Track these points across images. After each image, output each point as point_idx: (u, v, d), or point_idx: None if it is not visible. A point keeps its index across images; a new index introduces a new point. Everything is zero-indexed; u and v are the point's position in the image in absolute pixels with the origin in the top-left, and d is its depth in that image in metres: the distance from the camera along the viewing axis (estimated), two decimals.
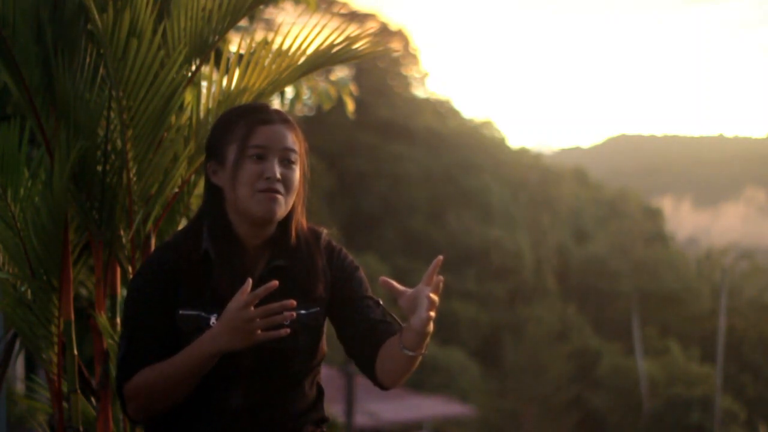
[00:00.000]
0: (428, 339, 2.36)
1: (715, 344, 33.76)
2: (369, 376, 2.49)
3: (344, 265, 2.54)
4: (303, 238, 2.50)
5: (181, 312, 2.40)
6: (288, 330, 2.27)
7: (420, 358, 2.37)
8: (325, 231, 2.56)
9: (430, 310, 2.31)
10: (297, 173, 2.44)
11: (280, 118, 2.45)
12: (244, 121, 2.42)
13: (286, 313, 2.27)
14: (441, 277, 2.31)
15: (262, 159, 2.39)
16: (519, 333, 38.24)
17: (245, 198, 2.39)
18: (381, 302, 2.55)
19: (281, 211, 2.42)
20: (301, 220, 2.50)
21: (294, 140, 2.44)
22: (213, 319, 2.38)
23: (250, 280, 2.26)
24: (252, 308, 2.25)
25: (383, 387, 2.49)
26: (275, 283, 2.26)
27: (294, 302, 2.26)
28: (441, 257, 2.34)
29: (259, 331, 2.26)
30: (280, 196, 2.40)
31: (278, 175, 2.39)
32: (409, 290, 2.33)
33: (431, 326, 2.33)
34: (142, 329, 2.41)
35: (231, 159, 2.40)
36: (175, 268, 2.41)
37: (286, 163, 2.42)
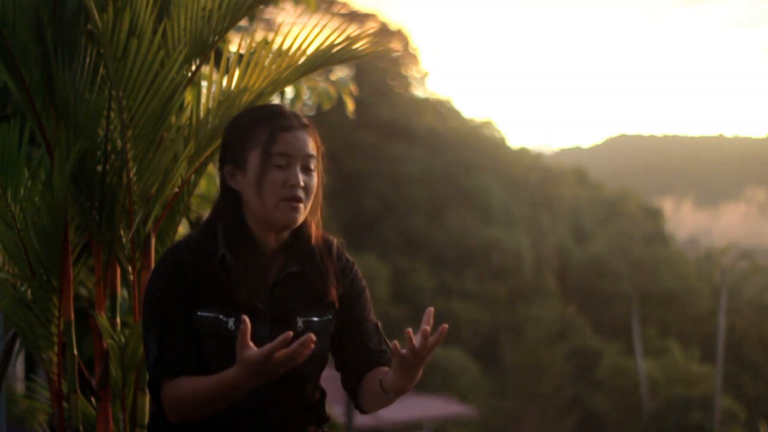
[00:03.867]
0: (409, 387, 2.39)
1: (715, 344, 33.77)
2: (351, 397, 2.55)
3: (354, 282, 2.55)
4: (316, 244, 2.50)
5: (199, 314, 2.40)
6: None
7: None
8: (336, 240, 2.57)
9: (417, 369, 2.32)
10: (316, 179, 2.45)
11: (300, 123, 2.45)
12: (265, 126, 2.41)
13: (308, 349, 2.21)
14: (444, 326, 2.28)
15: (285, 166, 2.40)
16: (519, 333, 38.26)
17: (269, 205, 2.40)
18: (379, 325, 2.58)
19: (301, 219, 2.44)
20: (315, 225, 2.51)
21: (313, 146, 2.45)
22: (231, 323, 2.38)
23: (290, 334, 2.21)
24: (275, 356, 2.21)
25: (362, 411, 2.55)
26: (311, 345, 2.20)
27: (313, 338, 2.21)
28: (432, 308, 2.32)
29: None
30: (301, 205, 2.42)
31: (301, 183, 2.40)
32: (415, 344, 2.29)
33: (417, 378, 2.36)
34: (171, 329, 2.39)
35: (254, 165, 2.40)
36: (193, 269, 2.41)
37: (307, 170, 2.43)
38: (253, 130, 2.42)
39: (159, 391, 2.40)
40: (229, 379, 2.28)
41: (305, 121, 2.46)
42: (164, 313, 2.41)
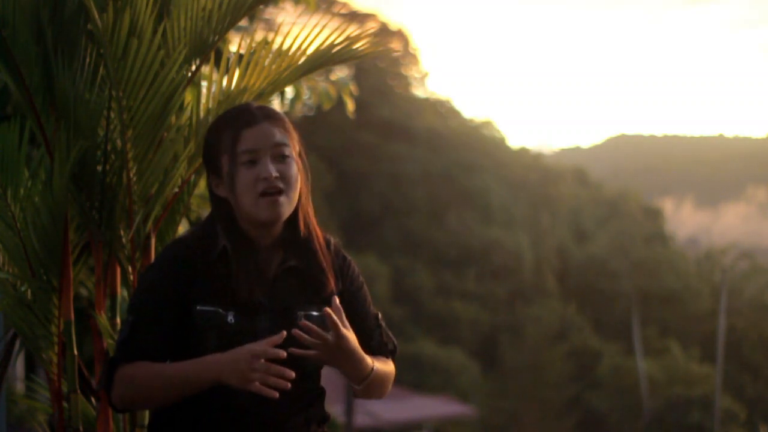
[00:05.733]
0: (363, 372, 2.43)
1: (715, 344, 33.77)
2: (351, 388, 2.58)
3: (353, 279, 2.56)
4: (314, 235, 2.50)
5: (198, 308, 2.40)
6: (276, 394, 2.27)
7: (371, 376, 2.45)
8: (333, 239, 2.57)
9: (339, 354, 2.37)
10: (294, 167, 2.43)
11: (264, 114, 2.44)
12: (229, 128, 2.42)
13: (282, 382, 2.27)
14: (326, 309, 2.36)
15: (255, 162, 2.40)
16: (519, 333, 38.24)
17: (249, 205, 2.40)
18: (380, 318, 2.59)
19: (286, 210, 2.43)
20: (309, 213, 2.50)
21: (283, 134, 2.43)
22: (230, 317, 2.39)
23: (284, 333, 2.28)
24: (263, 360, 2.26)
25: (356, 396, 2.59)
26: (283, 353, 2.28)
27: (293, 375, 2.28)
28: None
29: (257, 383, 2.27)
30: (282, 197, 2.40)
31: (275, 173, 2.39)
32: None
33: (362, 366, 2.42)
34: (148, 319, 2.41)
35: (226, 170, 2.41)
36: (192, 263, 2.42)
37: (280, 158, 2.41)
38: (220, 135, 2.43)
39: (114, 370, 2.41)
40: (198, 362, 2.32)
41: (271, 112, 2.45)
42: (147, 304, 2.43)
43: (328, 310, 2.33)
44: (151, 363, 2.39)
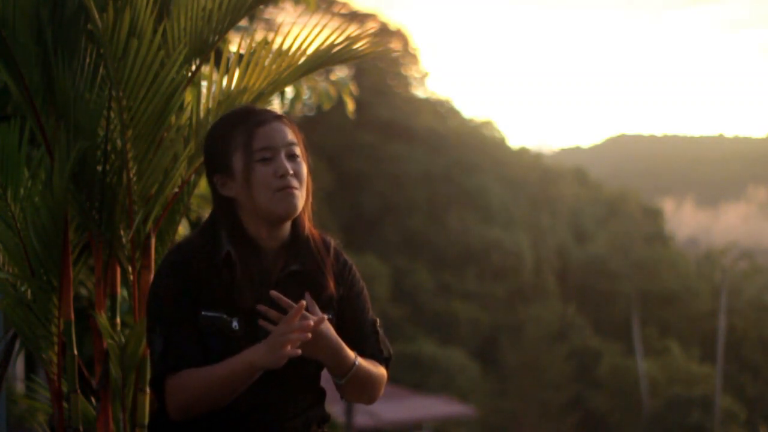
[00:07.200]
0: (344, 364, 2.43)
1: (715, 344, 33.82)
2: (341, 396, 2.56)
3: (353, 283, 2.56)
4: (315, 241, 2.51)
5: (203, 313, 2.40)
6: (299, 351, 2.29)
7: (354, 372, 2.44)
8: (334, 241, 2.57)
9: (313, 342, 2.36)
10: (304, 167, 2.46)
11: (273, 115, 2.46)
12: (240, 127, 2.43)
13: (304, 335, 2.29)
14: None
15: (270, 159, 2.40)
16: (519, 333, 38.25)
17: (265, 201, 2.40)
18: (378, 324, 2.58)
19: (300, 205, 2.44)
20: (309, 220, 2.51)
21: (292, 134, 2.45)
22: (235, 323, 2.39)
23: (303, 302, 2.30)
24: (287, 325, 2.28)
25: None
26: (324, 318, 2.33)
27: (311, 324, 2.30)
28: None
29: (288, 347, 2.27)
30: (296, 191, 2.42)
31: (290, 171, 2.41)
32: None
33: (341, 357, 2.42)
34: (176, 325, 2.40)
35: (239, 167, 2.41)
36: (198, 268, 2.41)
37: (293, 157, 2.44)
38: (231, 134, 2.43)
39: (163, 384, 2.40)
40: (240, 354, 2.32)
41: (276, 113, 2.47)
42: (169, 311, 2.41)
43: (274, 292, 2.33)
44: (197, 369, 2.37)
